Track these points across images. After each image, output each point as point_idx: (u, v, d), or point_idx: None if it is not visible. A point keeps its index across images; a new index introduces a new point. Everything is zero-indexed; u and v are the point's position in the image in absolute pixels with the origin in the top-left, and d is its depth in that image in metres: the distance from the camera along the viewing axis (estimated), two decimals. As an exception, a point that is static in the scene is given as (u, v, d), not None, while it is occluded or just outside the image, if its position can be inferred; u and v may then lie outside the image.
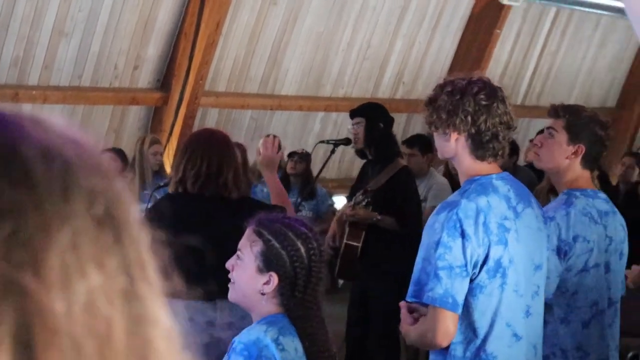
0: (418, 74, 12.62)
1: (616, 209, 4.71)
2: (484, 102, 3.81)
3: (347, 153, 7.93)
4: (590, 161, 4.57)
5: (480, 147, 3.84)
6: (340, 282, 9.97)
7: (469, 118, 3.78)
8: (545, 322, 4.35)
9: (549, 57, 13.93)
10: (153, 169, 8.58)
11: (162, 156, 8.79)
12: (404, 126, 12.61)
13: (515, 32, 13.27)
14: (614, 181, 10.53)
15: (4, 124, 0.75)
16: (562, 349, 4.53)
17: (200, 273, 3.40)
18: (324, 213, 9.35)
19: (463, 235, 3.75)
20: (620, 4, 12.55)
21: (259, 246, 3.36)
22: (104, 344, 0.72)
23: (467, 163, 3.89)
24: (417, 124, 12.90)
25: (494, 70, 13.04)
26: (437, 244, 3.76)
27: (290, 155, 9.64)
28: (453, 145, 3.86)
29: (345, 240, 7.25)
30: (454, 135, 3.82)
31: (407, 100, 12.55)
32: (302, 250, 3.37)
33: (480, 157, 3.86)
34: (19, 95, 9.65)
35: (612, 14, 13.12)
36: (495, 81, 12.20)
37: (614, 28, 14.28)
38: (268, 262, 3.35)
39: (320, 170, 7.86)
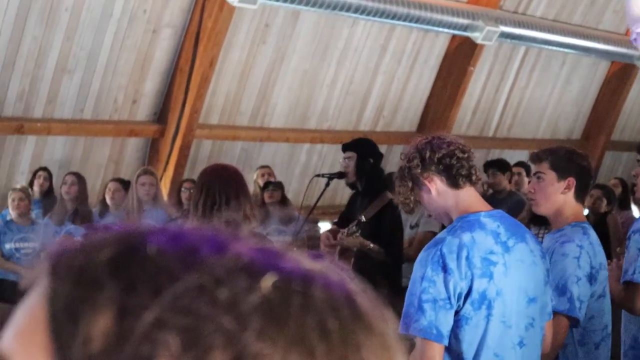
0: (397, 107, 12.91)
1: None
2: (422, 146, 4.11)
3: (334, 183, 8.36)
4: (581, 193, 4.74)
5: (449, 174, 4.07)
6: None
7: (426, 158, 4.07)
8: (565, 344, 4.66)
9: (519, 92, 14.21)
10: (143, 199, 8.76)
11: (153, 186, 8.90)
12: (384, 157, 12.99)
13: (488, 69, 13.55)
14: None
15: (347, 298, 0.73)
16: None
17: None
18: (302, 237, 9.62)
19: (445, 269, 3.90)
20: (585, 43, 13.23)
21: None
22: None
23: (451, 199, 4.09)
24: (396, 155, 13.33)
25: (467, 104, 13.38)
26: (422, 278, 3.91)
27: (266, 185, 9.91)
28: (434, 192, 4.08)
29: None
30: (427, 180, 4.08)
31: (386, 132, 12.89)
32: None
33: (456, 185, 4.08)
34: (24, 127, 10.04)
35: (578, 52, 13.65)
36: (469, 115, 12.87)
37: (579, 65, 14.63)
38: None
39: (317, 202, 8.11)
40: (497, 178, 10.12)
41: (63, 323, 0.68)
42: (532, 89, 14.43)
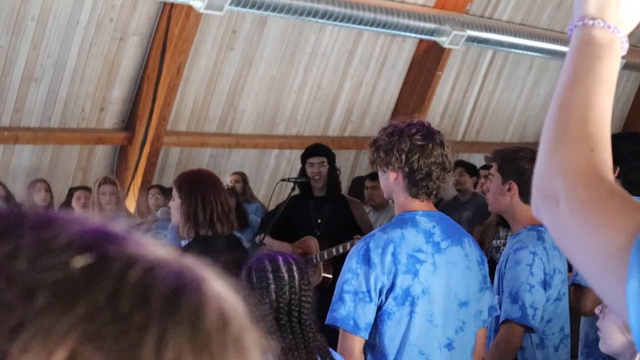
0: (365, 112, 12.97)
1: None
2: (419, 143, 3.98)
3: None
4: (529, 196, 4.81)
5: (414, 184, 4.01)
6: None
7: (403, 156, 3.97)
8: (523, 348, 4.67)
9: (487, 96, 14.28)
10: (104, 207, 8.67)
11: (114, 195, 8.81)
12: (352, 162, 13.03)
13: (455, 73, 13.62)
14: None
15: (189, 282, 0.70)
16: None
17: None
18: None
19: (368, 263, 3.93)
20: (552, 46, 13.31)
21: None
22: None
23: (401, 200, 4.08)
24: (365, 160, 13.42)
25: (435, 108, 13.44)
26: (347, 270, 3.97)
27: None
28: (391, 183, 4.06)
29: (322, 274, 7.49)
30: (392, 174, 4.03)
31: (355, 137, 12.95)
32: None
33: (414, 195, 4.04)
34: (-9, 136, 9.97)
35: (545, 55, 13.71)
36: (437, 119, 12.87)
37: (546, 68, 14.73)
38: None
39: (282, 207, 7.99)
40: (464, 178, 10.22)
41: None
42: (500, 93, 14.53)
